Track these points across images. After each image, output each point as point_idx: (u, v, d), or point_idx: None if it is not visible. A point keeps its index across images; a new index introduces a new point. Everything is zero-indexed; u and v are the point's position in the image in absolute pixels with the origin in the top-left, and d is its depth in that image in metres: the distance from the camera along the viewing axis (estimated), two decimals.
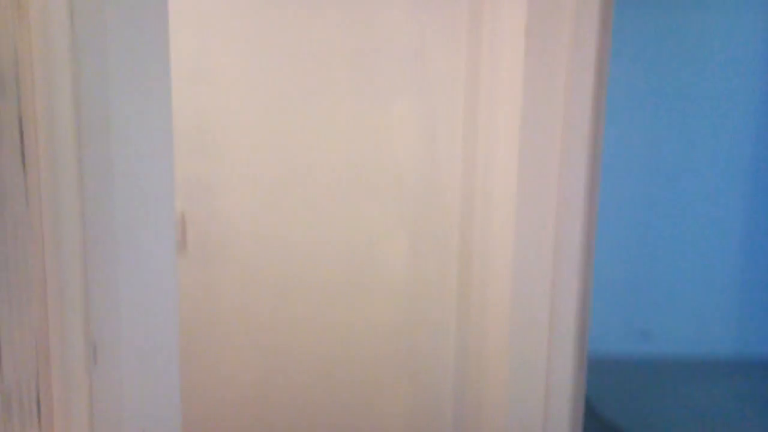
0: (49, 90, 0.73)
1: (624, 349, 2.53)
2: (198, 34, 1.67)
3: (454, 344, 1.85)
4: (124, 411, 0.86)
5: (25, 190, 0.75)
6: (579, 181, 1.53)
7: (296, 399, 1.87)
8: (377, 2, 1.68)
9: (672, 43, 2.34)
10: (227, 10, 1.67)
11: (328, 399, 1.87)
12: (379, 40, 1.70)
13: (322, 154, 1.75)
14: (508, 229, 1.60)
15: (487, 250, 1.73)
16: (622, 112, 2.29)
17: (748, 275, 2.52)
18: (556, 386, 1.60)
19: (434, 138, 1.76)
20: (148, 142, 0.89)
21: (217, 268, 1.80)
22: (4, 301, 0.77)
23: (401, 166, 1.77)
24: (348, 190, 1.78)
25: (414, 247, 1.82)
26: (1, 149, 0.74)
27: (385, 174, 1.77)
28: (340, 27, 1.69)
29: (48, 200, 0.76)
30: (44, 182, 0.75)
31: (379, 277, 1.82)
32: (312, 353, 1.85)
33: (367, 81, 1.72)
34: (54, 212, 0.77)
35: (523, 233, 1.57)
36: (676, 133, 2.41)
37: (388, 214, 1.80)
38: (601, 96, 1.50)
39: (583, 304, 1.61)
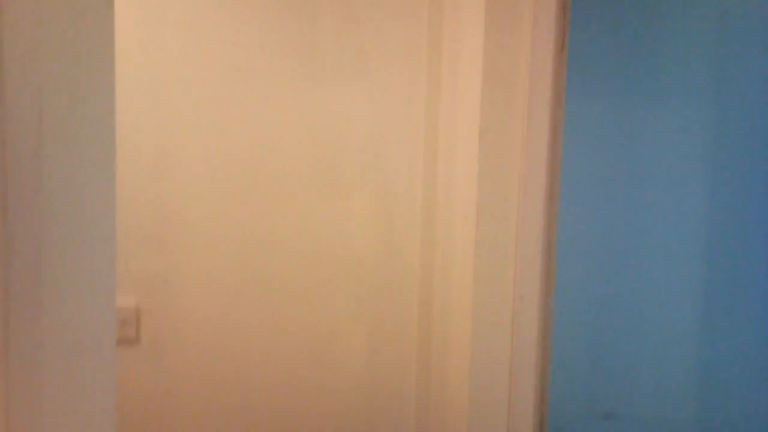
0: None
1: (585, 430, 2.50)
2: (158, 123, 1.70)
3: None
4: None
5: None
6: (535, 262, 1.57)
7: None
8: (335, 95, 1.74)
9: (625, 129, 2.43)
10: (188, 98, 1.70)
11: None
12: (337, 133, 1.75)
13: (280, 246, 1.76)
14: (466, 312, 1.61)
15: (446, 337, 1.74)
16: (576, 193, 2.35)
17: (709, 353, 2.54)
18: None
19: (392, 228, 1.79)
20: (86, 227, 0.84)
21: (172, 362, 1.76)
22: None
23: (360, 257, 1.78)
24: (305, 282, 1.78)
25: (372, 339, 1.81)
26: None
27: (343, 265, 1.78)
28: (299, 118, 1.73)
29: None
30: None
31: (338, 371, 1.81)
32: None
33: (325, 173, 1.76)
34: None
35: (481, 316, 1.59)
36: (631, 211, 2.47)
37: (347, 307, 1.80)
38: (555, 184, 1.56)
39: (541, 383, 1.62)
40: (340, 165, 1.76)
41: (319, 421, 1.81)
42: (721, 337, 2.54)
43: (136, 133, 1.69)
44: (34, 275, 0.72)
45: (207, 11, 1.69)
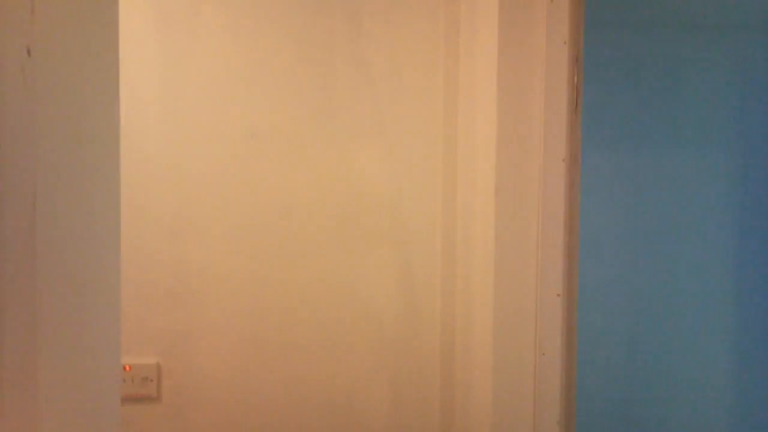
0: None
1: None
2: (178, 185, 1.74)
3: None
4: None
5: None
6: (556, 317, 1.56)
7: None
8: (352, 154, 1.77)
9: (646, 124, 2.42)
10: (206, 161, 1.74)
11: None
12: (356, 191, 1.77)
13: (300, 302, 1.78)
14: (487, 368, 1.60)
15: (468, 393, 1.72)
16: (597, 245, 2.34)
17: (740, 406, 2.48)
18: None
19: (412, 284, 1.79)
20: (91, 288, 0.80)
21: (193, 419, 1.76)
22: None
23: (380, 312, 1.79)
24: (326, 338, 1.78)
25: (393, 394, 1.81)
26: None
27: (363, 320, 1.79)
28: (317, 177, 1.76)
29: None
30: None
31: (359, 427, 1.80)
32: None
33: (344, 230, 1.78)
34: None
35: (502, 372, 1.58)
36: (653, 262, 2.44)
37: (367, 361, 1.80)
38: (573, 238, 1.56)
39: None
40: (358, 222, 1.78)
41: None
42: (753, 388, 2.48)
43: (156, 195, 1.73)
44: (29, 340, 0.69)
45: (223, 76, 1.74)
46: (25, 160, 0.63)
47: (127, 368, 1.72)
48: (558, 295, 1.56)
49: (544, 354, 1.57)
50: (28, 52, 0.62)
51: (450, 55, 1.77)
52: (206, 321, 1.75)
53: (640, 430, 2.47)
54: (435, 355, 1.81)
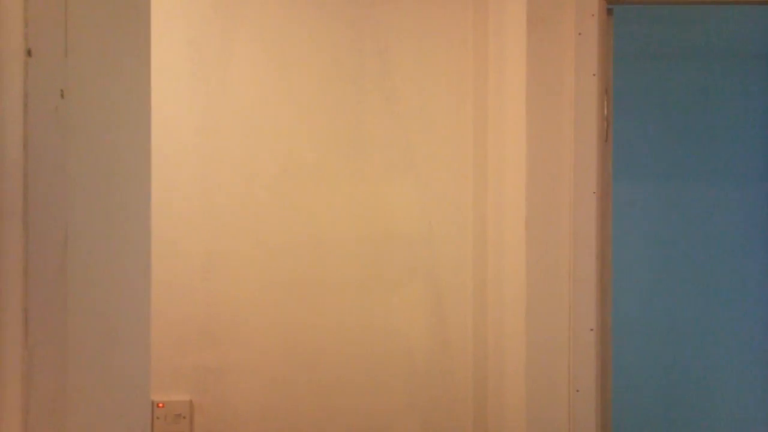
0: None
1: None
2: (210, 223, 1.75)
3: None
4: None
5: None
6: (590, 353, 1.54)
7: None
8: (384, 189, 1.77)
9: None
10: (238, 197, 1.76)
11: None
12: (387, 226, 1.77)
13: (331, 338, 1.77)
14: (521, 407, 1.58)
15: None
16: (631, 278, 2.30)
17: None
18: None
19: (443, 320, 1.78)
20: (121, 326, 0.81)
21: None
22: None
23: (411, 348, 1.78)
24: (357, 374, 1.77)
25: (425, 430, 1.78)
26: None
27: (394, 356, 1.78)
28: (349, 213, 1.77)
29: None
30: None
31: None
32: None
33: (375, 265, 1.77)
34: None
35: (536, 412, 1.55)
36: (687, 293, 2.39)
37: (398, 404, 1.78)
38: (606, 272, 1.54)
39: None
40: (390, 257, 1.78)
41: None
42: None
43: (189, 231, 1.75)
44: (59, 379, 0.69)
45: (255, 111, 1.77)
46: (57, 200, 0.64)
47: (161, 405, 1.73)
48: (591, 329, 1.53)
49: (578, 391, 1.54)
50: (62, 95, 0.63)
51: (479, 88, 1.78)
52: (238, 358, 1.76)
53: None
54: (467, 392, 1.78)
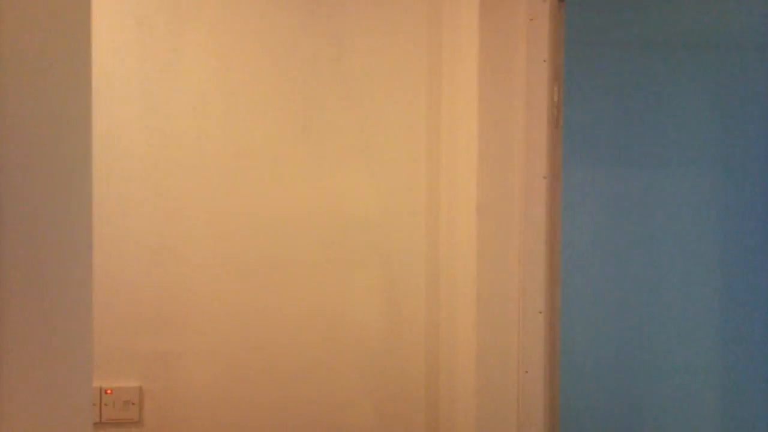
0: None
1: None
2: (160, 207, 1.73)
3: None
4: None
5: None
6: (539, 335, 1.56)
7: None
8: (336, 174, 1.77)
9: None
10: (188, 182, 1.74)
11: None
12: (340, 210, 1.77)
13: (283, 323, 1.76)
14: (471, 387, 1.60)
15: (452, 411, 1.71)
16: (581, 262, 2.34)
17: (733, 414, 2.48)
18: None
19: (396, 303, 1.79)
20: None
21: None
22: None
23: (364, 332, 1.78)
24: (310, 358, 1.77)
25: (379, 419, 1.79)
26: None
27: (347, 340, 1.78)
28: (301, 198, 1.76)
29: None
30: None
31: None
32: None
33: (328, 249, 1.77)
34: None
35: (486, 392, 1.57)
36: (636, 277, 2.44)
37: (351, 388, 1.78)
38: (555, 256, 1.56)
39: None
40: (342, 242, 1.78)
41: None
42: (742, 402, 2.47)
43: (138, 215, 1.72)
44: None
45: (206, 94, 1.74)
46: None
47: (109, 392, 1.70)
48: (540, 312, 1.56)
49: (527, 372, 1.57)
50: None
51: (432, 73, 1.78)
52: (189, 344, 1.74)
53: None
54: (420, 376, 1.80)
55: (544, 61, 1.55)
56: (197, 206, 1.73)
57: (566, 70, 1.65)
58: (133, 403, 1.71)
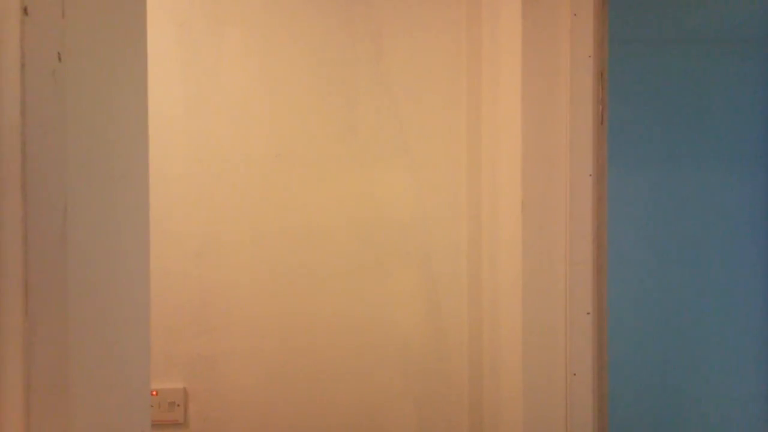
0: None
1: None
2: (203, 210, 1.74)
3: None
4: None
5: None
6: (586, 336, 1.53)
7: None
8: (377, 174, 1.76)
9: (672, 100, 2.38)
10: (231, 185, 1.74)
11: None
12: (381, 211, 1.76)
13: (325, 325, 1.76)
14: (517, 392, 1.57)
15: (497, 417, 1.69)
16: (625, 263, 2.30)
17: None
18: None
19: (438, 305, 1.77)
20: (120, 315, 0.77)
21: None
22: None
23: (406, 334, 1.77)
24: (351, 360, 1.76)
25: (421, 419, 1.77)
26: None
27: (389, 342, 1.77)
28: (342, 198, 1.76)
29: None
30: None
31: None
32: None
33: (369, 251, 1.76)
34: None
35: (532, 396, 1.54)
36: (683, 278, 2.39)
37: (393, 391, 1.77)
38: (602, 256, 1.53)
39: None
40: (383, 243, 1.77)
41: None
42: None
43: (181, 217, 1.73)
44: (62, 355, 0.65)
45: (247, 96, 1.75)
46: (57, 167, 0.61)
47: (154, 393, 1.71)
48: (588, 313, 1.53)
49: (575, 374, 1.54)
50: (59, 57, 0.61)
51: (472, 71, 1.77)
52: (232, 345, 1.74)
53: None
54: (463, 378, 1.78)
55: (589, 57, 1.52)
56: (239, 208, 1.74)
57: (610, 69, 1.61)
58: (178, 405, 1.72)
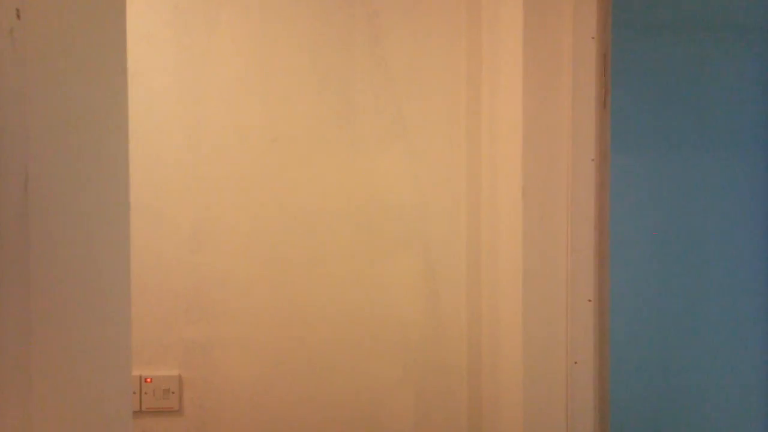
0: None
1: None
2: (197, 195, 1.71)
3: None
4: None
5: None
6: (587, 324, 1.50)
7: None
8: (375, 160, 1.73)
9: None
10: (226, 169, 1.71)
11: None
12: (379, 195, 1.73)
13: (322, 312, 1.73)
14: (517, 379, 1.54)
15: (497, 405, 1.66)
16: (628, 250, 2.27)
17: None
18: None
19: (437, 291, 1.75)
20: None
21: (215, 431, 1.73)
22: None
23: (404, 321, 1.74)
24: (349, 348, 1.74)
25: (420, 406, 1.75)
26: None
27: (387, 329, 1.74)
28: (339, 184, 1.73)
29: None
30: None
31: None
32: None
33: (367, 237, 1.73)
34: None
35: (533, 383, 1.52)
36: (686, 266, 2.37)
37: (392, 377, 1.75)
38: (604, 242, 1.50)
39: None
40: (381, 227, 1.74)
41: None
42: None
43: (175, 201, 1.70)
44: (23, 340, 0.59)
45: (242, 79, 1.71)
46: (15, 136, 0.55)
47: (149, 380, 1.69)
48: (589, 300, 1.50)
49: (576, 362, 1.51)
50: (18, 14, 0.56)
51: (472, 52, 1.73)
52: (228, 331, 1.72)
53: None
54: (462, 365, 1.75)
55: (592, 38, 1.48)
56: (234, 193, 1.71)
57: (612, 52, 1.58)
58: (172, 392, 1.70)
